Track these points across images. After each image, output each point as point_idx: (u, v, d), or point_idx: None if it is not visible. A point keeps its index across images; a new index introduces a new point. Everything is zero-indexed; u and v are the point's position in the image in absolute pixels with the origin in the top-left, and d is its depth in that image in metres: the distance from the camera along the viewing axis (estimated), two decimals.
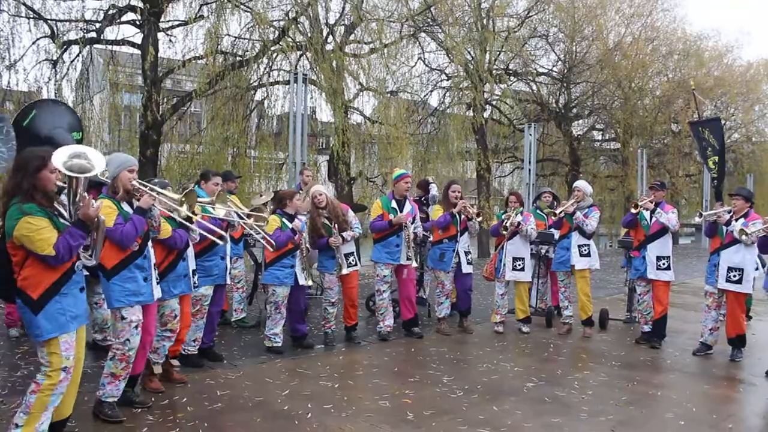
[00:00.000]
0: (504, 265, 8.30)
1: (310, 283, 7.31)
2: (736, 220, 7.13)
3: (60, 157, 3.82)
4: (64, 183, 3.93)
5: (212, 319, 6.41)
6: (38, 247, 3.76)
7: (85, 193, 3.91)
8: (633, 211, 7.92)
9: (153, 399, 5.18)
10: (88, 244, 4.07)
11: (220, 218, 5.90)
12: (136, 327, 4.71)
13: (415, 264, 7.98)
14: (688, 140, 26.02)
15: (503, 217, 8.31)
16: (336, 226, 7.27)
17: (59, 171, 3.82)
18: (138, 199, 4.75)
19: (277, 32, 14.44)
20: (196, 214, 5.32)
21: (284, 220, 6.93)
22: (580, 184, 8.60)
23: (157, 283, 4.96)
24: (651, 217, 7.79)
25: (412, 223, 7.87)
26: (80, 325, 4.11)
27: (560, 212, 8.17)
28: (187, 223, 5.27)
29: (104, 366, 4.76)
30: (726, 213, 7.29)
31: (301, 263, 7.07)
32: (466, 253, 8.21)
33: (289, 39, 14.59)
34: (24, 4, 12.69)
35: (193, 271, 5.66)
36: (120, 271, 4.67)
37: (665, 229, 7.73)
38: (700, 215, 7.71)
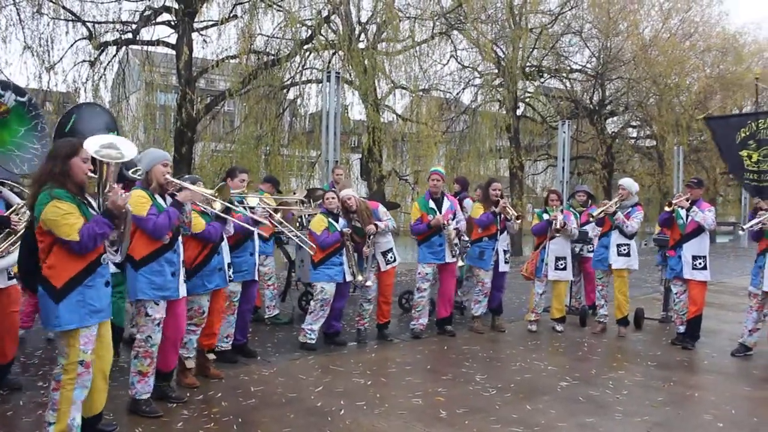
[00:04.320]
0: (546, 264, 8.22)
1: (360, 278, 7.19)
2: None
3: (91, 146, 3.82)
4: (95, 175, 3.90)
5: (244, 316, 6.46)
6: (63, 231, 3.71)
7: (115, 184, 3.90)
8: (667, 209, 7.71)
9: (188, 394, 5.25)
10: (115, 239, 4.01)
11: (251, 211, 5.94)
12: (158, 324, 4.74)
13: (461, 263, 7.94)
14: None
15: (549, 217, 8.21)
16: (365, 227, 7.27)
17: (90, 159, 3.82)
18: (172, 194, 4.80)
19: (309, 31, 14.55)
20: (234, 205, 5.38)
21: (330, 220, 6.98)
22: (625, 182, 8.34)
23: (185, 281, 4.96)
24: (687, 216, 7.58)
25: (453, 219, 7.79)
26: (102, 320, 4.02)
27: (599, 213, 8.03)
28: (225, 215, 5.32)
29: (131, 365, 4.82)
30: None
31: (348, 260, 7.07)
32: (505, 252, 8.16)
33: (322, 38, 14.69)
34: (63, 7, 12.96)
35: (228, 264, 5.69)
36: (149, 263, 4.66)
37: (702, 227, 7.48)
38: (743, 230, 7.46)
